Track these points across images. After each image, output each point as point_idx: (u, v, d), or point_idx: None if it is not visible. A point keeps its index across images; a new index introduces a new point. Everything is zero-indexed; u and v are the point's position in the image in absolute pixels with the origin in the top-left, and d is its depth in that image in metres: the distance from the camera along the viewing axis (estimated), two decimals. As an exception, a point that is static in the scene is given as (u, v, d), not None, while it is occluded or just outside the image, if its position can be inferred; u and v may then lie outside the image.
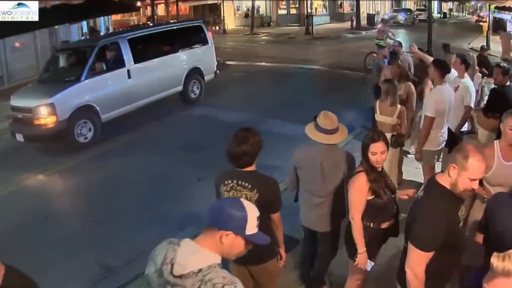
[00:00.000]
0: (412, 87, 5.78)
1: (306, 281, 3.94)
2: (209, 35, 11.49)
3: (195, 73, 10.92)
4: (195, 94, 11.04)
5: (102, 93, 8.66)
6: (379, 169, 3.09)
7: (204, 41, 11.34)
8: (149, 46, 10.20)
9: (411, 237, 2.41)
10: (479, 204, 3.41)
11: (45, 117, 7.81)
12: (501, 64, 5.41)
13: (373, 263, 3.10)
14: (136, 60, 9.44)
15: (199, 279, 1.74)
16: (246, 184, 2.85)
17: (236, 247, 1.85)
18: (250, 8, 33.01)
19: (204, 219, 5.08)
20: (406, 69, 5.93)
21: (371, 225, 3.07)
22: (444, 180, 2.39)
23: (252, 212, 1.86)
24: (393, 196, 3.16)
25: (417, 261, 2.38)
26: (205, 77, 11.26)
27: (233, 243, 1.83)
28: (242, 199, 1.93)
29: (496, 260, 1.78)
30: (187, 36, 11.14)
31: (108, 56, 9.24)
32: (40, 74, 9.56)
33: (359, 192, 3.02)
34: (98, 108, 8.48)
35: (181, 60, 10.74)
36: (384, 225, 3.10)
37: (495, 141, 3.41)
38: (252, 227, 1.84)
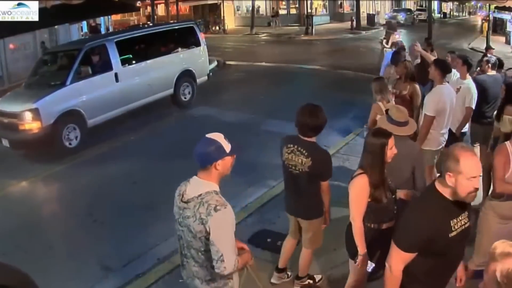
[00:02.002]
0: (418, 88, 5.73)
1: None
2: (201, 36, 11.23)
3: (186, 75, 10.64)
4: (186, 98, 10.76)
5: (88, 97, 8.42)
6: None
7: (196, 43, 11.05)
8: (138, 49, 9.97)
9: (394, 234, 2.47)
10: (491, 205, 3.42)
11: (30, 123, 7.63)
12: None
13: (373, 264, 3.08)
14: (124, 63, 9.23)
15: (198, 201, 2.37)
16: (304, 151, 3.34)
17: (227, 164, 2.46)
18: (250, 8, 33.02)
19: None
20: (413, 69, 5.91)
21: (372, 226, 3.07)
22: (443, 189, 2.37)
23: (219, 138, 2.48)
24: (393, 196, 3.16)
25: (395, 258, 2.42)
26: (197, 80, 10.97)
27: (224, 164, 2.43)
28: (207, 135, 2.52)
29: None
30: (178, 38, 10.91)
31: (95, 59, 9.00)
32: (27, 78, 9.33)
33: (360, 194, 3.01)
34: (84, 112, 8.27)
35: (172, 63, 10.44)
36: (385, 226, 3.10)
37: (505, 143, 3.42)
38: (227, 146, 2.43)
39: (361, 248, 3.02)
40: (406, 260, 2.40)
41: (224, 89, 12.88)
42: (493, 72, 5.71)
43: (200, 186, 2.43)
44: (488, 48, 10.61)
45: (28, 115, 7.63)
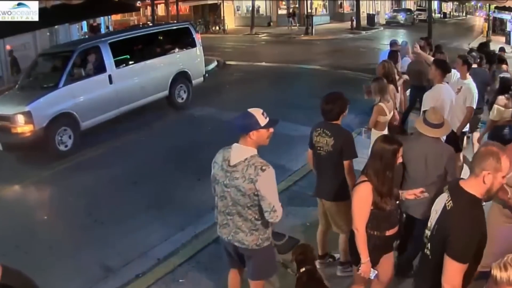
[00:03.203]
0: (391, 88, 5.75)
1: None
2: (197, 37, 11.11)
3: (182, 77, 10.49)
4: (182, 99, 10.62)
5: (82, 100, 8.32)
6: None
7: (192, 44, 10.90)
8: (132, 50, 9.82)
9: (449, 251, 2.32)
10: (496, 206, 3.41)
11: (22, 126, 7.54)
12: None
13: (376, 272, 3.05)
14: (118, 65, 9.12)
15: (245, 164, 2.82)
16: (328, 132, 3.66)
17: (263, 136, 2.89)
18: (250, 8, 33.01)
19: (203, 220, 5.09)
20: (391, 70, 5.96)
21: (375, 234, 3.02)
22: (473, 188, 2.35)
23: (257, 112, 2.90)
24: (397, 202, 3.11)
25: (457, 274, 2.32)
26: (193, 81, 10.83)
27: (259, 135, 2.85)
28: (248, 110, 2.93)
29: (498, 272, 1.74)
30: (173, 39, 10.80)
31: (89, 61, 8.92)
32: (21, 80, 9.25)
33: (363, 202, 2.95)
34: (77, 115, 8.16)
35: (167, 64, 10.31)
36: (389, 233, 3.06)
37: None
38: (262, 120, 2.86)
39: (364, 256, 2.98)
40: (463, 272, 2.32)
41: (224, 89, 12.88)
42: (475, 65, 6.07)
43: (243, 151, 2.87)
44: (502, 49, 10.78)
45: (20, 118, 7.54)
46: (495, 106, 5.44)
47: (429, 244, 2.52)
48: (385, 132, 4.98)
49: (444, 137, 4.87)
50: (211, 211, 5.58)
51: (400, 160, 3.05)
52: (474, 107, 5.34)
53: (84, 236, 5.25)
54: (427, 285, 2.51)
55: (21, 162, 7.94)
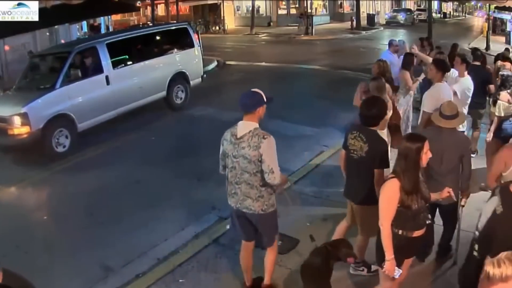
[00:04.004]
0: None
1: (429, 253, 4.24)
2: (195, 37, 11.07)
3: (180, 77, 10.44)
4: (180, 100, 10.56)
5: (78, 101, 8.27)
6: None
7: (190, 45, 10.85)
8: (129, 51, 9.73)
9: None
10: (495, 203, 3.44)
11: (19, 127, 7.47)
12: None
13: (401, 271, 3.02)
14: (116, 66, 9.06)
15: (250, 135, 3.32)
16: (363, 138, 3.65)
17: (264, 111, 3.44)
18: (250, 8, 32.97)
19: (203, 220, 5.08)
20: (387, 69, 5.97)
21: (400, 233, 3.01)
22: None
23: (259, 91, 3.46)
24: (426, 205, 3.07)
25: None
26: (191, 82, 10.78)
27: (262, 110, 3.43)
28: (252, 89, 3.48)
29: (491, 268, 1.73)
30: (171, 39, 10.76)
31: (86, 62, 8.86)
32: (17, 81, 9.15)
33: (390, 199, 2.96)
34: (74, 116, 8.09)
35: (165, 65, 10.27)
36: (415, 234, 3.03)
37: None
38: (264, 97, 3.44)
39: (388, 253, 2.96)
40: None
41: (223, 89, 12.88)
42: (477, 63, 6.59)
43: (248, 125, 3.37)
44: (507, 49, 10.97)
45: (17, 120, 7.47)
46: (500, 102, 5.62)
47: (476, 245, 2.55)
48: (385, 131, 5.00)
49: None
50: (211, 211, 5.65)
51: (428, 156, 2.99)
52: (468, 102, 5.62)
53: (84, 236, 5.24)
54: (473, 286, 2.52)
55: (19, 164, 7.91)
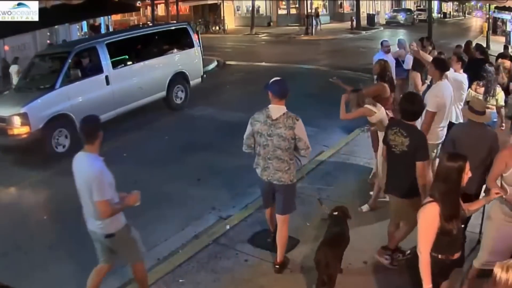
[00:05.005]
0: (385, 87, 5.74)
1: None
2: (195, 38, 11.08)
3: (179, 78, 10.45)
4: (180, 100, 10.58)
5: (78, 101, 8.27)
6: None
7: (190, 45, 10.87)
8: (129, 51, 9.78)
9: None
10: (497, 204, 3.44)
11: (18, 127, 7.47)
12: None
13: None
14: (115, 66, 9.07)
15: (285, 117, 3.86)
16: (404, 133, 3.79)
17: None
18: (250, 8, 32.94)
19: (203, 220, 5.07)
20: (388, 69, 5.96)
21: (440, 257, 2.88)
22: None
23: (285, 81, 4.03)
24: (462, 226, 3.00)
25: None
26: (191, 82, 10.80)
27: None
28: (277, 78, 4.01)
29: (500, 271, 1.74)
30: (170, 40, 10.76)
31: (85, 62, 8.86)
32: (18, 81, 9.15)
33: (429, 225, 2.79)
34: (73, 116, 7.99)
35: (164, 65, 10.28)
36: (455, 256, 2.94)
37: None
38: None
39: (426, 281, 2.78)
40: None
41: (224, 89, 12.88)
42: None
43: (280, 109, 3.89)
44: (505, 47, 11.79)
45: (16, 120, 7.48)
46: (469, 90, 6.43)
47: None
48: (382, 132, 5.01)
49: (445, 131, 5.04)
50: (211, 211, 5.65)
51: (468, 175, 2.85)
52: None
53: (84, 236, 5.22)
54: None
55: (19, 164, 7.93)
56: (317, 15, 31.90)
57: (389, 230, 4.24)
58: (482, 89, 6.72)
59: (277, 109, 3.90)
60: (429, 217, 2.79)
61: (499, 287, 1.72)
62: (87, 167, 3.46)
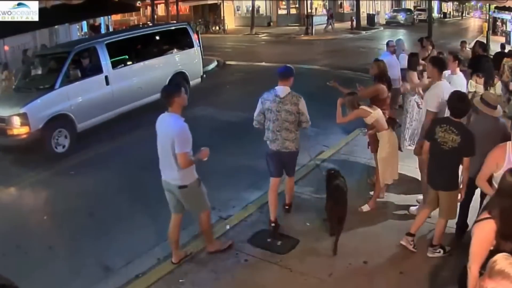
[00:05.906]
0: (381, 87, 5.72)
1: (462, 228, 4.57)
2: (195, 38, 11.08)
3: (179, 77, 10.38)
4: None
5: (78, 101, 8.26)
6: None
7: (190, 45, 10.88)
8: (129, 51, 9.73)
9: None
10: None
11: (18, 127, 7.46)
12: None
13: None
14: (115, 66, 9.04)
15: (290, 95, 4.65)
16: (455, 130, 3.96)
17: (293, 79, 4.78)
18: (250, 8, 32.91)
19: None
20: (385, 70, 5.94)
21: None
22: None
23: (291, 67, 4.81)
24: None
25: None
26: (191, 82, 10.77)
27: (293, 79, 4.77)
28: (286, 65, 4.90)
29: (501, 262, 1.74)
30: (170, 40, 10.75)
31: (85, 62, 8.85)
32: (17, 82, 9.13)
33: (483, 242, 2.67)
34: (73, 117, 8.08)
35: (164, 65, 10.26)
36: None
37: (508, 142, 3.51)
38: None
39: None
40: None
41: (224, 89, 12.88)
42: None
43: (286, 89, 4.67)
44: (502, 46, 12.47)
45: (16, 120, 7.46)
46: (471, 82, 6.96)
47: None
48: (386, 132, 5.00)
49: None
50: (211, 211, 5.64)
51: None
52: None
53: (84, 236, 5.24)
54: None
55: (18, 164, 7.91)
56: (331, 16, 31.86)
57: (419, 216, 4.42)
58: (481, 80, 7.11)
59: (283, 89, 4.64)
60: (483, 234, 2.68)
61: (494, 277, 1.72)
62: (172, 124, 4.27)
